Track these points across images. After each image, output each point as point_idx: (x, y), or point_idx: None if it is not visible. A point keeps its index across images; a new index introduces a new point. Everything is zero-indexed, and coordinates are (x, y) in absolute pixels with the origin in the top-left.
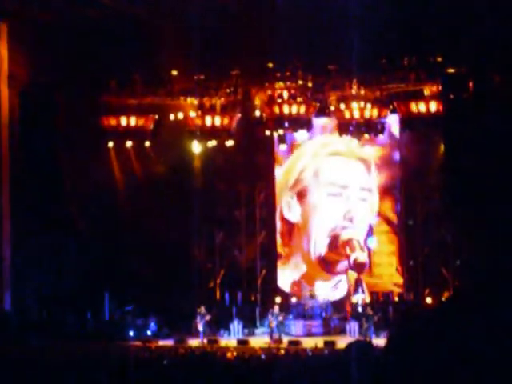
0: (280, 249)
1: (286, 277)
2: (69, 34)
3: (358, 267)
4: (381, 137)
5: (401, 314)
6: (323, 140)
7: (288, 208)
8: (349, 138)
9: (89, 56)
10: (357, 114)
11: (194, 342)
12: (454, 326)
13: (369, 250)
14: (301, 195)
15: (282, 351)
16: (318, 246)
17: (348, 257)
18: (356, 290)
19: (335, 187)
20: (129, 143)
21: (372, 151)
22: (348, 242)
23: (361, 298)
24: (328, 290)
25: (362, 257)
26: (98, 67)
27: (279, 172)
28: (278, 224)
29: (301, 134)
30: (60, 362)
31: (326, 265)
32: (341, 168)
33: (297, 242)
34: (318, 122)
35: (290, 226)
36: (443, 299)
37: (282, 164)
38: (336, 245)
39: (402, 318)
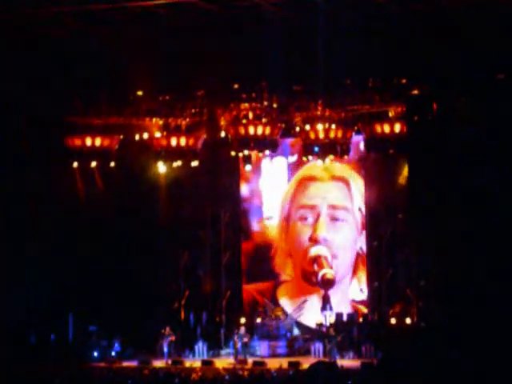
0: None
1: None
2: (34, 54)
3: (326, 283)
4: (346, 157)
5: (370, 335)
6: (305, 166)
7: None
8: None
9: (54, 76)
10: (322, 135)
11: (158, 363)
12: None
13: None
14: (286, 221)
15: (247, 372)
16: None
17: (316, 273)
18: (324, 308)
19: (304, 210)
20: (94, 163)
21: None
22: (316, 259)
23: (328, 315)
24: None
25: (330, 273)
26: (63, 87)
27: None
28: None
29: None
30: None
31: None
32: (311, 190)
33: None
34: (287, 141)
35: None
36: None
37: (249, 183)
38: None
39: (366, 337)
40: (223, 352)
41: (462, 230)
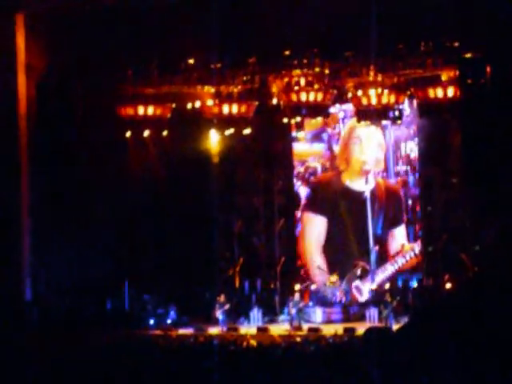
0: None
1: None
2: (85, 23)
3: None
4: (399, 122)
5: (420, 298)
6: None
7: None
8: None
9: (105, 45)
10: (374, 101)
11: (213, 331)
12: (471, 310)
13: None
14: None
15: (301, 338)
16: None
17: None
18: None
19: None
20: (146, 132)
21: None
22: None
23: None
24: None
25: None
26: (115, 56)
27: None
28: None
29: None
30: (81, 352)
31: None
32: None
33: None
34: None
35: None
36: (461, 284)
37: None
38: None
39: (421, 302)
40: (278, 319)
41: None
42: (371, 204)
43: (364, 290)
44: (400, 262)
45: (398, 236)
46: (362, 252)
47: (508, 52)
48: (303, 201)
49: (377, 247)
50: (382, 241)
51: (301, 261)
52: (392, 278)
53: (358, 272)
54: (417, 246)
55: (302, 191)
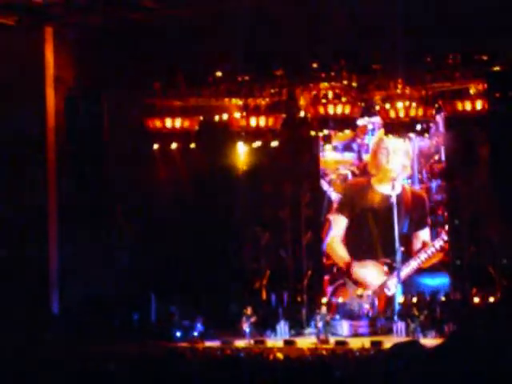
0: None
1: None
2: (113, 37)
3: None
4: (426, 135)
5: (453, 314)
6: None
7: None
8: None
9: (133, 58)
10: (402, 114)
11: (240, 343)
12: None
13: None
14: None
15: (327, 352)
16: None
17: None
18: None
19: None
20: (174, 145)
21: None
22: None
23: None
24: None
25: None
26: (142, 69)
27: None
28: None
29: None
30: (107, 364)
31: None
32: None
33: None
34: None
35: None
36: (493, 300)
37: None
38: None
39: (457, 318)
40: (305, 332)
41: None
42: (398, 208)
43: (391, 285)
44: (423, 257)
45: (422, 237)
46: (388, 252)
47: None
48: (334, 205)
49: (403, 248)
50: (407, 241)
51: (328, 259)
52: (416, 273)
53: (385, 268)
54: (437, 242)
55: (334, 196)
